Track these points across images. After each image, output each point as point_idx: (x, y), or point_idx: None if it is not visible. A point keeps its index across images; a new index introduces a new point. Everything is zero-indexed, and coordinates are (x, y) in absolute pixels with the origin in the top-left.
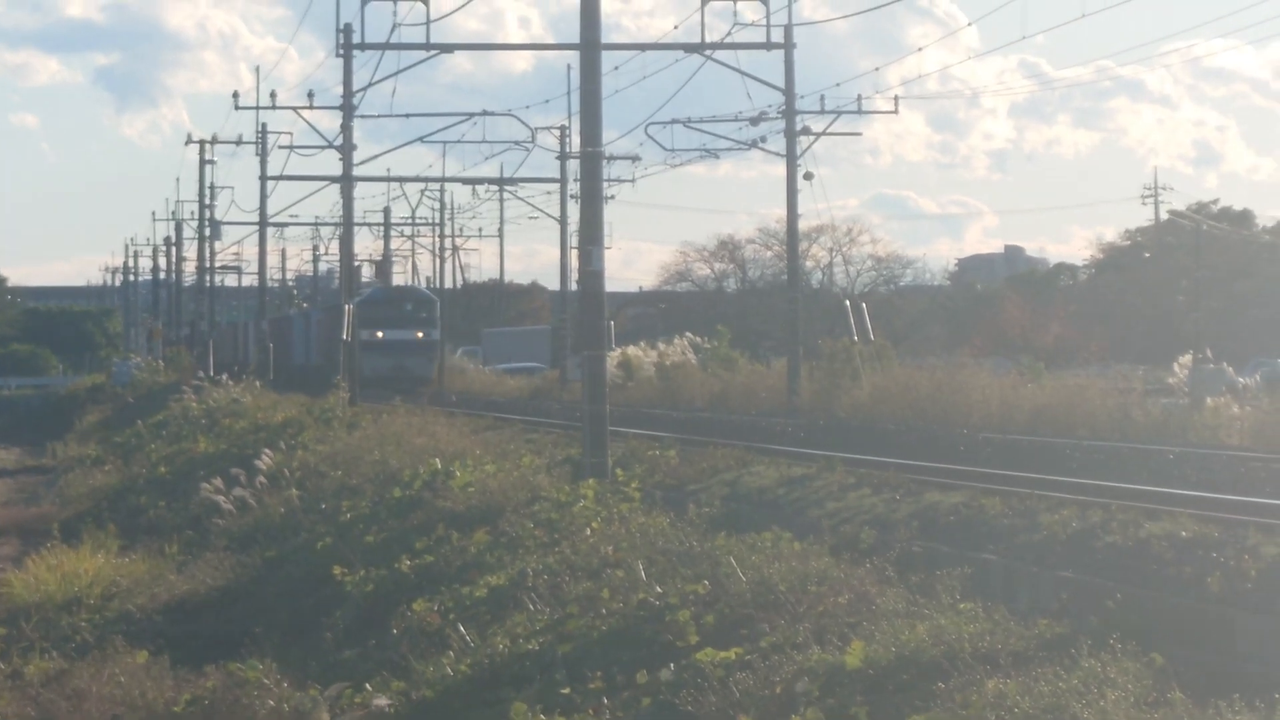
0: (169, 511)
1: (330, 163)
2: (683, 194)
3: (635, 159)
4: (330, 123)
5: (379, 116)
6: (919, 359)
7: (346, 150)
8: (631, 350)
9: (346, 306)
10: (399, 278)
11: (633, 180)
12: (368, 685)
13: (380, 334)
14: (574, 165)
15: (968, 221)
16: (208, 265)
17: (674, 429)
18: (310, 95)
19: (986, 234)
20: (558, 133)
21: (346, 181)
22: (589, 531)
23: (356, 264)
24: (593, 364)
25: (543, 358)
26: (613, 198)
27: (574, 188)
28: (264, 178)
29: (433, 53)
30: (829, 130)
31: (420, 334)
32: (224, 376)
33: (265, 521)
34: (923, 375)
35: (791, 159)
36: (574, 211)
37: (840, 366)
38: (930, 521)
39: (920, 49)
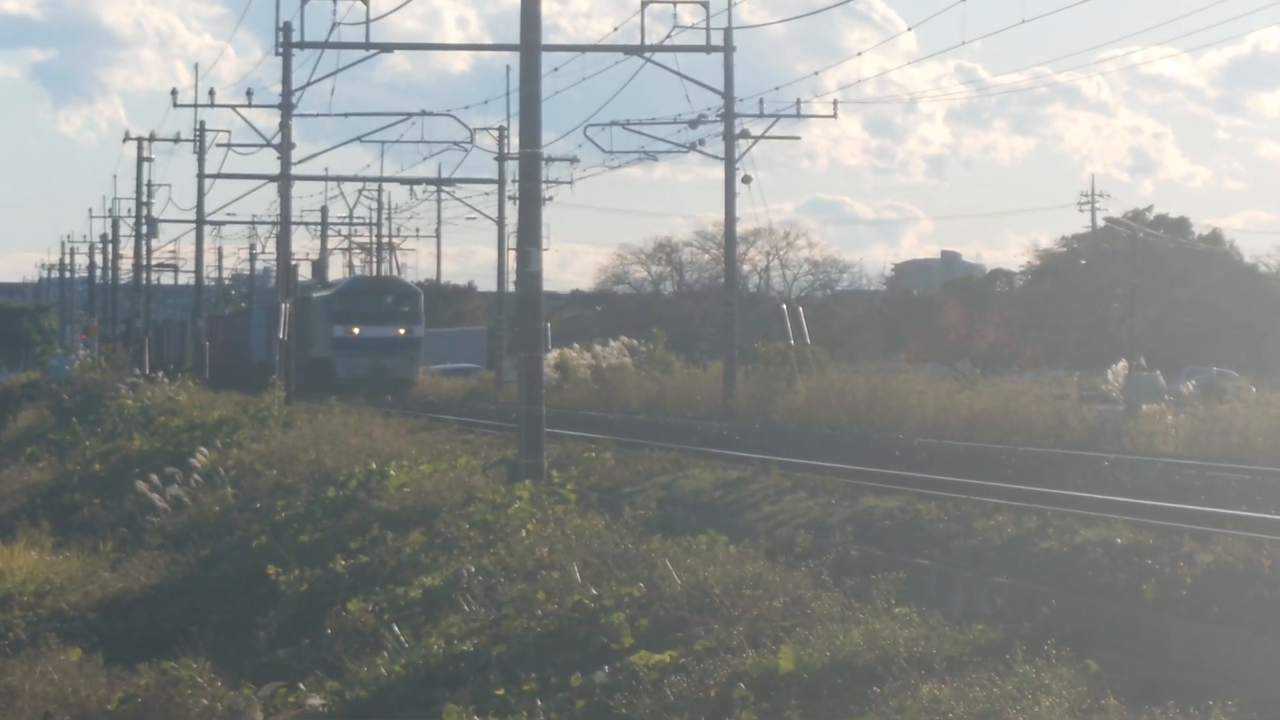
0: (104, 509)
1: (268, 161)
2: (620, 196)
3: (574, 161)
4: (269, 121)
5: (317, 115)
6: (855, 364)
7: (285, 149)
8: (568, 352)
9: (283, 305)
10: (336, 273)
11: (571, 182)
12: (301, 685)
13: (357, 330)
14: (512, 166)
15: (904, 227)
16: (144, 263)
17: (610, 431)
18: (249, 93)
19: (923, 239)
20: (496, 133)
21: (284, 180)
22: (524, 533)
23: (293, 263)
24: (529, 365)
25: (479, 359)
26: (551, 199)
27: (512, 189)
28: (201, 176)
29: (372, 52)
30: (767, 134)
31: (402, 330)
32: (160, 375)
33: (200, 520)
34: (859, 380)
35: (730, 162)
36: (512, 213)
37: (776, 370)
38: (866, 526)
39: (859, 54)
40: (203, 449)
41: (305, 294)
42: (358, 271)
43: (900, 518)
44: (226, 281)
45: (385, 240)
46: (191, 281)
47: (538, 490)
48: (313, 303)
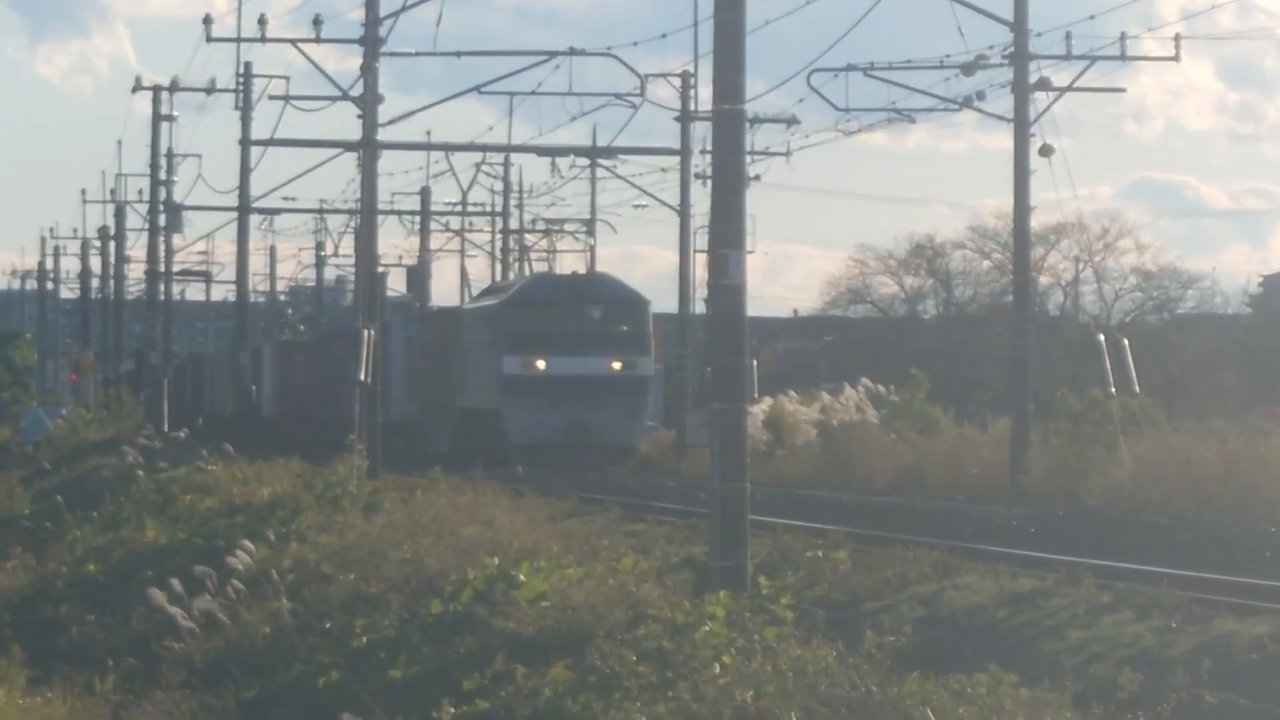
0: (101, 629)
1: (343, 121)
2: (859, 174)
3: (792, 122)
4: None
5: (415, 55)
6: (1204, 421)
7: (369, 103)
8: (783, 403)
9: (365, 332)
10: (444, 286)
11: (788, 154)
12: None
13: (542, 364)
14: (702, 129)
15: (1276, 221)
16: (163, 269)
17: (845, 519)
18: (316, 23)
19: None
20: (678, 82)
21: (368, 149)
22: (718, 668)
23: (381, 269)
24: (728, 422)
25: (653, 411)
26: (758, 179)
27: (701, 163)
28: (247, 142)
29: None
30: (1077, 84)
31: (618, 364)
32: (184, 432)
33: (243, 645)
34: (1210, 446)
35: (1022, 125)
36: (701, 198)
37: (1089, 432)
38: (1223, 661)
39: None
40: (246, 543)
41: (442, 313)
42: (475, 283)
43: (1273, 649)
44: (282, 296)
45: (514, 235)
46: (231, 296)
47: (738, 605)
48: (463, 319)
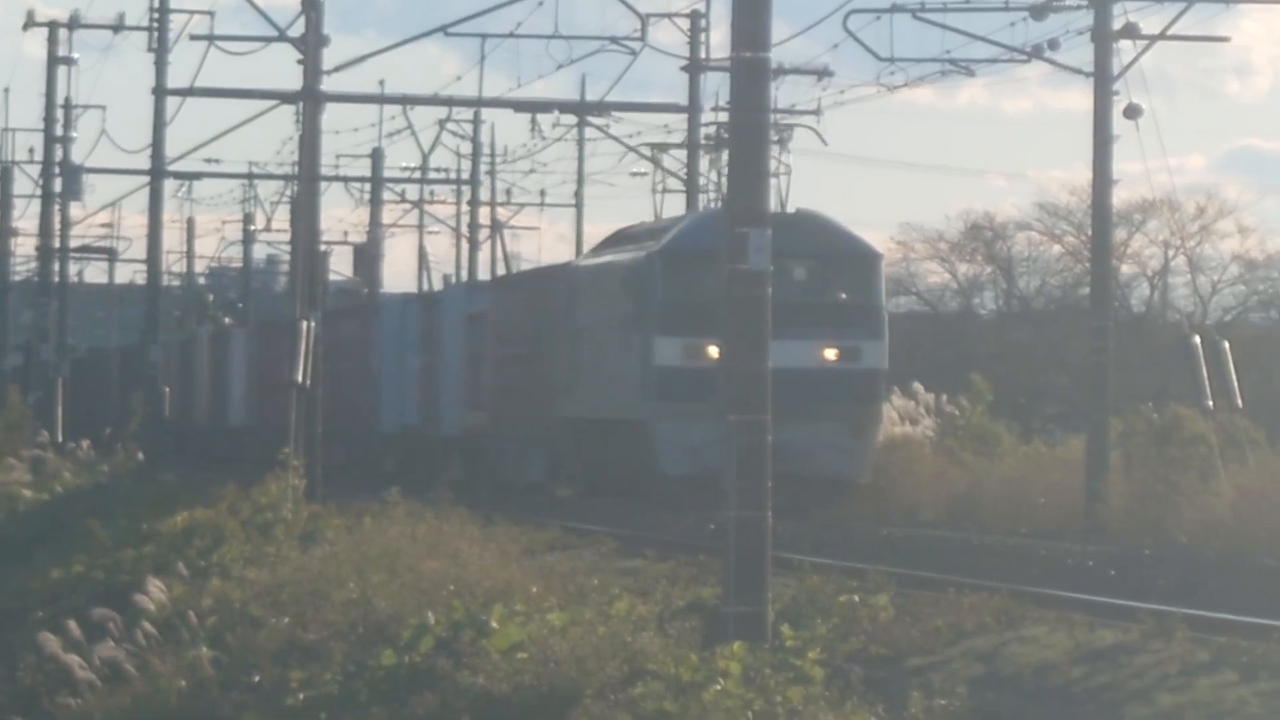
0: None
1: (280, 67)
2: (904, 138)
3: (824, 74)
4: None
5: None
6: None
7: (311, 46)
8: None
9: (304, 324)
10: (398, 270)
11: (817, 112)
12: None
13: (715, 350)
14: (715, 82)
15: None
16: (57, 244)
17: (886, 557)
18: None
19: None
20: (686, 24)
21: (309, 101)
22: None
23: (323, 247)
24: (746, 439)
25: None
26: (780, 142)
27: (712, 121)
28: (161, 91)
29: None
30: (1168, 32)
31: (833, 351)
32: (84, 444)
33: (153, 702)
34: None
35: (1104, 80)
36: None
37: (1180, 455)
38: None
39: None
40: (157, 580)
41: (535, 277)
42: (438, 264)
43: None
44: (201, 278)
45: (485, 209)
46: (139, 277)
47: (756, 660)
48: (578, 283)
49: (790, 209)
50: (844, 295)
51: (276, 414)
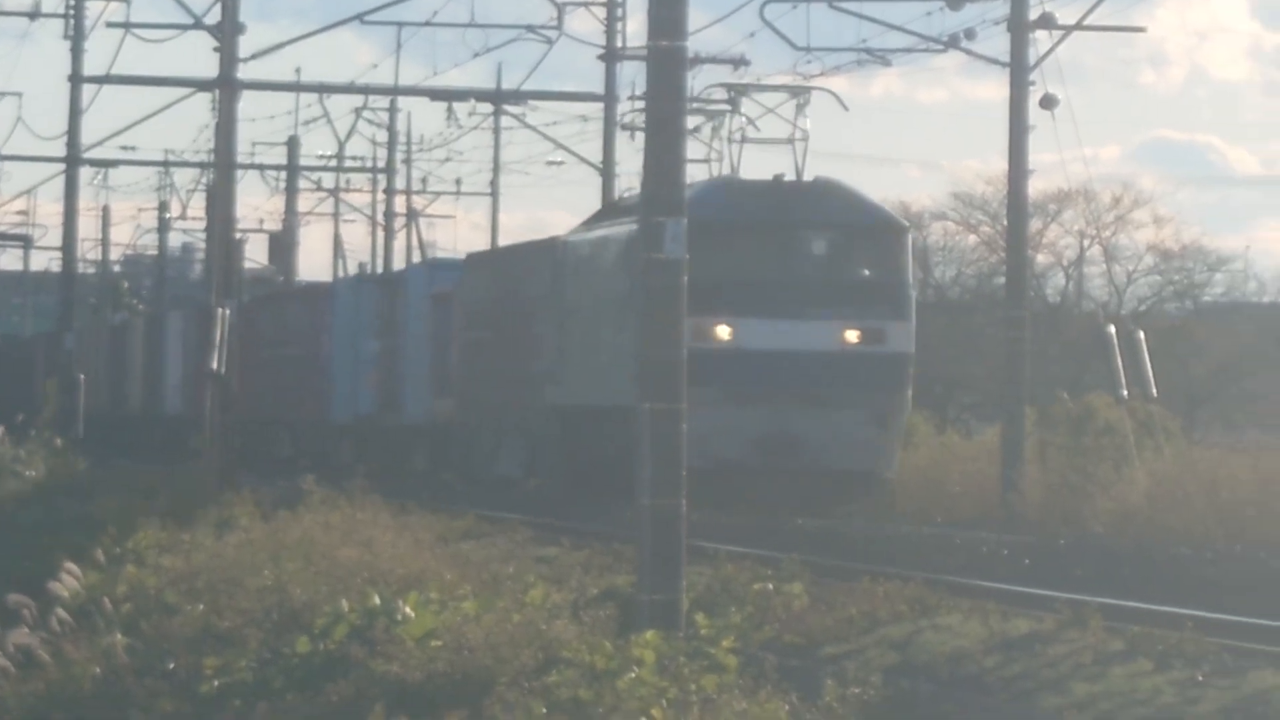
0: None
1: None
2: (818, 127)
3: (740, 63)
4: None
5: None
6: (1234, 433)
7: (227, 33)
8: None
9: (220, 311)
10: (313, 259)
11: (731, 101)
12: None
13: (725, 330)
14: (631, 71)
15: None
16: None
17: (800, 546)
18: None
19: None
20: (602, 12)
21: (226, 89)
22: None
23: (239, 235)
24: (661, 427)
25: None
26: (697, 130)
27: (629, 110)
28: (77, 79)
29: None
30: (1084, 23)
31: (855, 332)
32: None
33: (67, 689)
34: (1242, 463)
35: (1019, 70)
36: (630, 154)
37: (1096, 444)
38: None
39: None
40: (72, 565)
41: (515, 252)
42: (353, 252)
43: None
44: (116, 266)
45: (401, 197)
46: (55, 265)
47: (671, 648)
48: (567, 258)
49: (808, 177)
50: (867, 271)
51: (265, 402)
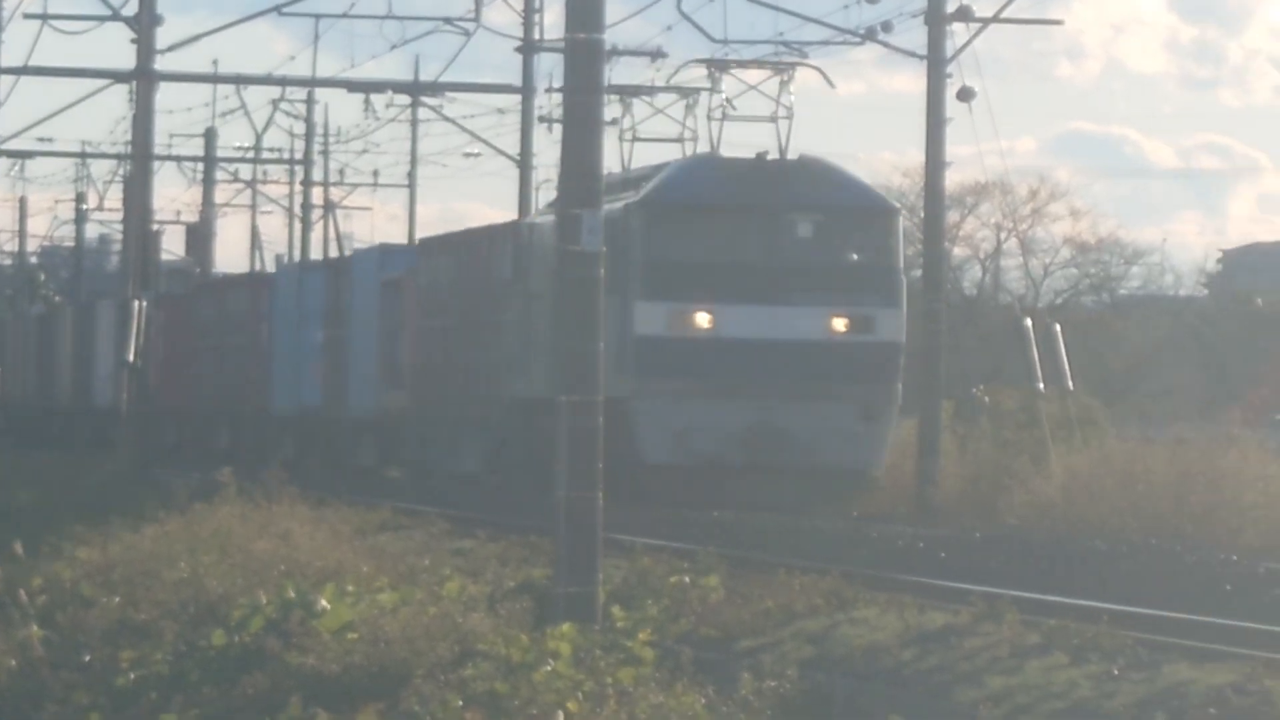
0: None
1: (113, 46)
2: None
3: (657, 56)
4: None
5: None
6: (1151, 426)
7: (145, 25)
8: None
9: (136, 303)
10: (230, 251)
11: (649, 92)
12: None
13: (705, 317)
14: (549, 63)
15: (1237, 184)
16: None
17: (717, 538)
18: None
19: (1271, 208)
20: (520, 5)
21: (143, 80)
22: (562, 716)
23: (155, 227)
24: (577, 420)
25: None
26: (615, 123)
27: (547, 103)
28: None
29: None
30: (1002, 16)
31: (843, 320)
32: None
33: None
34: (1158, 456)
35: (937, 63)
36: (547, 147)
37: (1012, 437)
38: (1176, 715)
39: None
40: None
41: (473, 237)
42: (270, 244)
43: (1237, 702)
44: (33, 257)
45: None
46: None
47: (587, 641)
48: (532, 240)
49: (792, 156)
50: (855, 256)
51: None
